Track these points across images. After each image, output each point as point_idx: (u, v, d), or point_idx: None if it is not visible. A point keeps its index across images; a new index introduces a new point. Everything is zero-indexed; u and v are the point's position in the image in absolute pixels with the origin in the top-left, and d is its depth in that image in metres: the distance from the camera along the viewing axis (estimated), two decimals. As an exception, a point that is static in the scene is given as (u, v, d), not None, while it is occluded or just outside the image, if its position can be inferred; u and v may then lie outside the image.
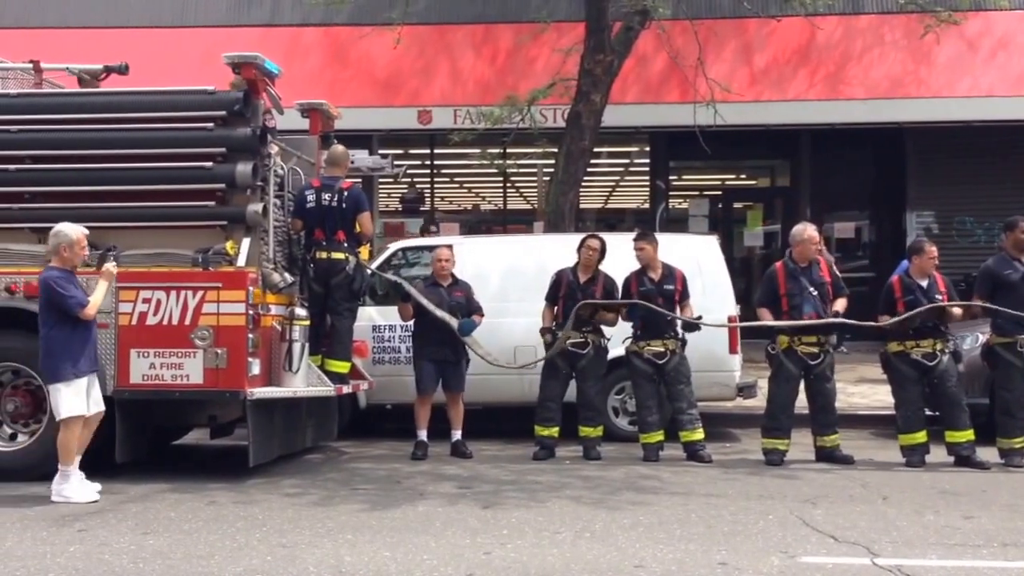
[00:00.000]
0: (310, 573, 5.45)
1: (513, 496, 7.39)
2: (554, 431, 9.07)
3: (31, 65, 9.11)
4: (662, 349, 8.95)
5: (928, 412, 8.76)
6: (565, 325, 8.91)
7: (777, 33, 14.88)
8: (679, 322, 8.99)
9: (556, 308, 9.19)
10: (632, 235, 9.66)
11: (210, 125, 8.03)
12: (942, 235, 15.22)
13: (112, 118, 8.18)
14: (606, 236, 9.54)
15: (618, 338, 9.27)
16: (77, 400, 7.26)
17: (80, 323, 7.28)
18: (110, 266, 7.51)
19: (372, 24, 14.46)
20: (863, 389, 12.18)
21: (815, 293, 8.70)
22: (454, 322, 9.05)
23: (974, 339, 9.52)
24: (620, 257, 9.26)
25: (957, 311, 8.76)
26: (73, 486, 7.27)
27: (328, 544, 6.02)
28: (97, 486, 7.39)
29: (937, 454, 8.61)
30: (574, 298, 9.03)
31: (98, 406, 7.44)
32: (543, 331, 9.17)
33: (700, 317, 9.06)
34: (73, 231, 7.37)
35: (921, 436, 8.56)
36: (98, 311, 7.39)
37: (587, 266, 9.18)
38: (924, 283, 8.70)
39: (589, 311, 8.95)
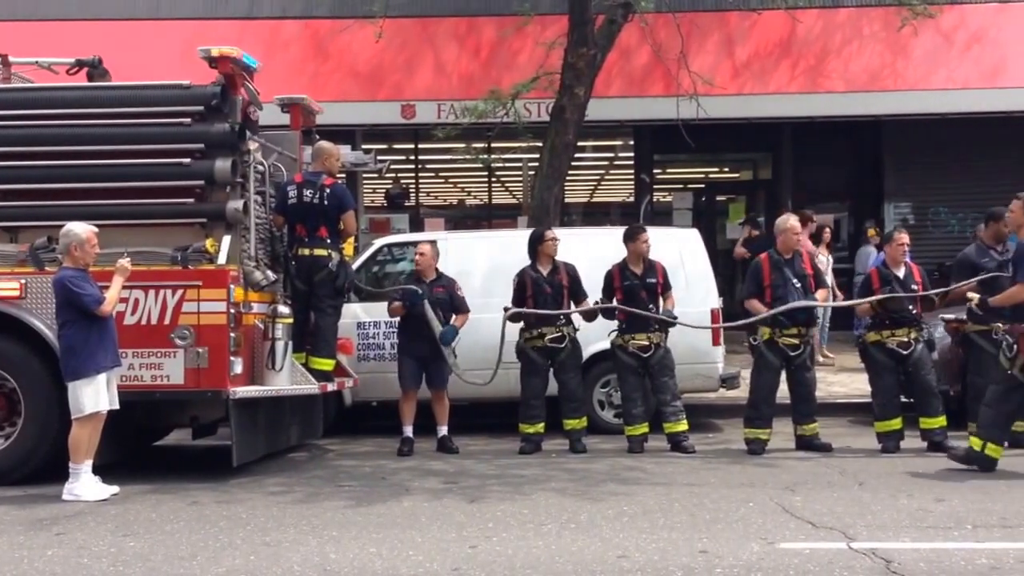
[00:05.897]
0: (295, 571, 5.44)
1: (498, 490, 7.41)
2: (539, 427, 9.10)
3: None
4: (647, 343, 8.99)
5: (904, 399, 8.86)
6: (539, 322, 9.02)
7: (758, 26, 14.90)
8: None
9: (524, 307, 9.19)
10: (610, 229, 9.68)
11: (187, 120, 7.96)
12: (917, 225, 15.38)
13: (85, 113, 8.07)
14: (592, 230, 9.57)
15: (603, 331, 9.28)
16: (96, 397, 7.25)
17: (97, 320, 7.25)
18: (124, 262, 7.43)
19: (353, 17, 14.39)
20: (842, 378, 12.28)
21: (798, 285, 8.78)
22: (438, 328, 9.04)
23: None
24: (601, 249, 9.41)
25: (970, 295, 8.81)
26: (84, 484, 7.24)
27: (313, 541, 6.01)
28: (115, 488, 7.35)
29: (912, 440, 8.72)
30: (543, 292, 9.09)
31: (113, 403, 7.38)
32: (508, 310, 9.09)
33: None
34: (82, 230, 7.33)
35: (896, 423, 8.70)
36: (114, 307, 7.35)
37: (549, 257, 9.21)
38: (900, 272, 8.84)
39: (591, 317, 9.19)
